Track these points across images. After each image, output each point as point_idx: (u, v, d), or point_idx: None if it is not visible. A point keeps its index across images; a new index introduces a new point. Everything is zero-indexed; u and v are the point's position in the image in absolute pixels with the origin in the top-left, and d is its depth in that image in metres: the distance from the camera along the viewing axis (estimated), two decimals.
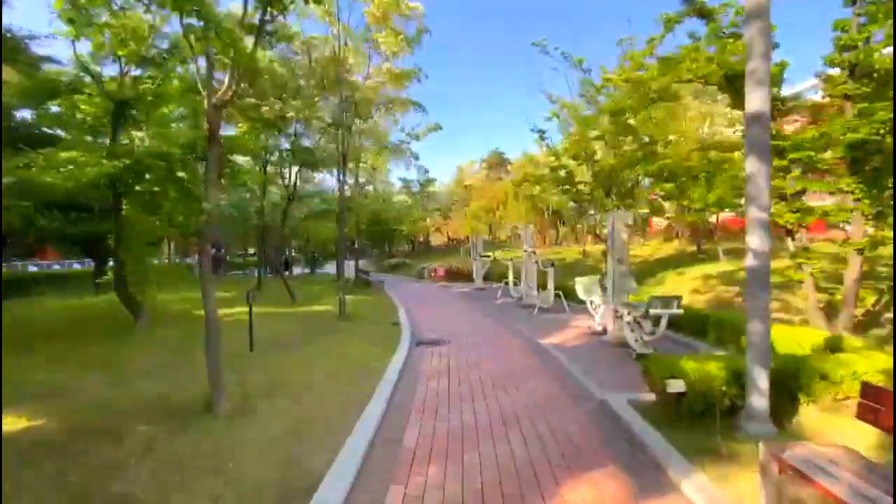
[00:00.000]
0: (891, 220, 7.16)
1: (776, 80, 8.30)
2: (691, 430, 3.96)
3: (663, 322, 6.49)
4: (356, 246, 17.61)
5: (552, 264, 11.37)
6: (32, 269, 23.10)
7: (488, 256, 19.16)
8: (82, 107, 8.01)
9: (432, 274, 22.28)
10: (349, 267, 26.36)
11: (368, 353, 7.01)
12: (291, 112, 9.96)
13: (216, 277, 23.38)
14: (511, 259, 14.85)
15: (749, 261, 3.95)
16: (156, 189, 7.07)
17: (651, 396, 4.72)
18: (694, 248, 22.03)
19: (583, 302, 11.98)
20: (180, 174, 7.02)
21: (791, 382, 4.49)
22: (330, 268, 32.14)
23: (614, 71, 11.33)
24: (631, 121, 13.00)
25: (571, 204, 43.77)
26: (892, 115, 6.35)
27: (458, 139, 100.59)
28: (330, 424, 4.13)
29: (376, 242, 42.92)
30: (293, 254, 34.52)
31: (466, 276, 21.36)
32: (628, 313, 7.22)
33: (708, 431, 3.84)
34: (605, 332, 8.36)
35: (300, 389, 5.15)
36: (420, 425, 4.28)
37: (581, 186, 15.33)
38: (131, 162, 6.84)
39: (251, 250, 32.47)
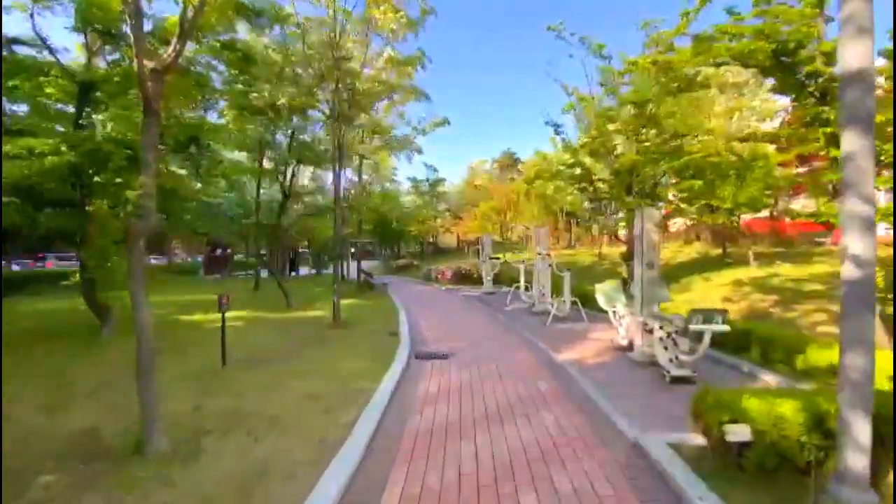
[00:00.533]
0: None
1: (830, 58, 7.23)
2: (758, 489, 3.01)
3: (706, 340, 5.48)
4: (357, 246, 16.72)
5: (568, 269, 10.37)
6: (15, 268, 22.59)
7: (498, 258, 18.18)
8: (46, 90, 7.26)
9: (439, 276, 21.36)
10: (353, 268, 25.61)
11: (358, 370, 6.11)
12: (283, 99, 9.14)
13: (220, 278, 22.59)
14: (523, 261, 13.86)
15: (847, 270, 2.94)
16: (119, 181, 6.24)
17: (698, 438, 3.75)
18: (718, 251, 20.83)
19: (602, 311, 10.97)
20: None
21: (885, 429, 3.47)
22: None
23: (640, 55, 10.31)
24: (655, 112, 11.94)
25: (586, 204, 42.53)
26: None
27: (469, 141, 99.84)
28: (290, 477, 3.22)
29: (385, 243, 42.12)
30: (299, 254, 33.90)
31: (475, 279, 20.39)
32: (660, 327, 6.22)
33: (782, 496, 2.88)
34: (630, 347, 7.35)
35: (266, 421, 4.26)
36: (405, 478, 3.36)
37: (599, 184, 14.28)
38: (91, 149, 6.04)
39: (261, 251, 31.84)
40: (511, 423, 4.46)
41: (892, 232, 7.19)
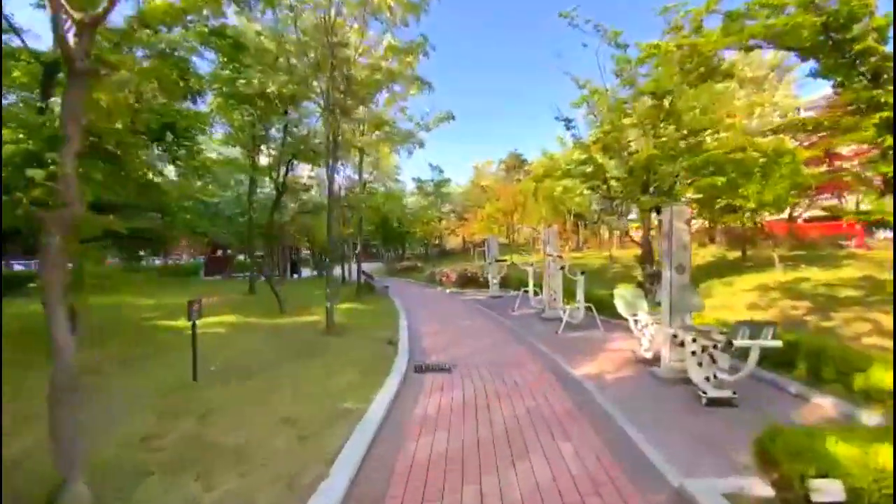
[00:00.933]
0: None
1: (882, 34, 6.42)
2: None
3: (753, 358, 4.69)
4: (358, 247, 16.03)
5: (582, 272, 9.58)
6: (17, 267, 22.15)
7: (504, 261, 17.41)
8: (14, 73, 6.62)
9: (443, 279, 20.61)
10: (353, 270, 24.91)
11: (348, 385, 5.38)
12: (273, 87, 8.46)
13: (220, 280, 21.92)
14: (532, 264, 13.08)
15: None
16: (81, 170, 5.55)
17: (760, 485, 2.98)
18: (736, 254, 19.92)
19: (620, 317, 10.16)
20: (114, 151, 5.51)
21: None
22: (337, 270, 30.77)
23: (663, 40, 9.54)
24: (675, 104, 11.13)
25: (595, 206, 41.63)
26: None
27: (474, 143, 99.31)
28: None
29: (389, 245, 41.47)
30: (302, 255, 33.31)
31: (480, 283, 19.62)
32: (694, 340, 5.43)
33: None
34: (656, 360, 6.56)
35: (228, 455, 3.53)
36: None
37: (612, 182, 13.48)
38: (50, 136, 5.37)
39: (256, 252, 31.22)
40: (522, 458, 3.70)
41: None
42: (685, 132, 11.79)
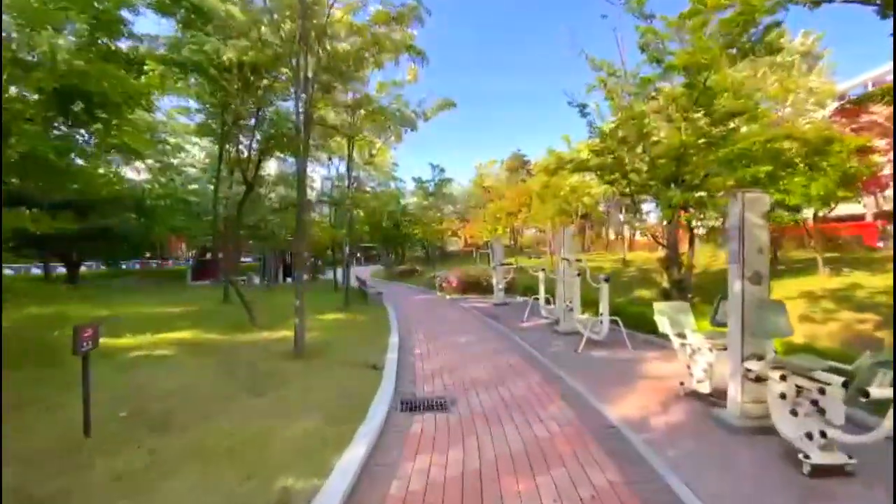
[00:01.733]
0: None
1: None
2: None
3: (890, 416, 3.14)
4: (347, 249, 14.53)
5: (605, 278, 8.05)
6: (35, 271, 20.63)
7: (510, 265, 15.91)
8: None
9: (444, 284, 19.11)
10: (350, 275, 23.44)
11: (303, 440, 3.90)
12: (231, 54, 7.02)
13: (208, 285, 20.44)
14: (543, 269, 11.57)
15: None
16: None
17: None
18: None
19: (646, 329, 8.65)
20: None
21: None
22: (332, 274, 29.28)
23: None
24: (712, 82, 9.61)
25: (601, 207, 39.96)
26: None
27: (475, 145, 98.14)
28: None
29: (389, 247, 39.97)
30: (295, 258, 31.82)
31: (484, 288, 18.12)
32: (782, 377, 3.91)
33: None
34: (714, 396, 5.05)
35: None
36: None
37: (633, 175, 11.96)
38: None
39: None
40: None
41: None
42: (720, 116, 10.27)
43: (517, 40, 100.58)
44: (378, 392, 5.47)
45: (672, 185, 11.40)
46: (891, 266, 13.22)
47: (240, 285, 9.45)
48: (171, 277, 30.53)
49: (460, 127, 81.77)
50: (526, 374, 6.53)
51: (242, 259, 36.81)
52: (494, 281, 15.66)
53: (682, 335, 5.69)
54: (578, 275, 9.03)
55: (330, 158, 13.80)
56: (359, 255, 65.19)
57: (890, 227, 18.95)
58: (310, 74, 6.89)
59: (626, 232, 33.28)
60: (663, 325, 5.87)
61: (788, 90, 15.21)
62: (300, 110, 7.01)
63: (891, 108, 10.87)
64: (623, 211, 36.38)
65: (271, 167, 18.48)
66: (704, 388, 5.26)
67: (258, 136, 9.23)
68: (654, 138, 12.24)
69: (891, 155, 13.25)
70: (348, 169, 12.88)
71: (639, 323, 9.08)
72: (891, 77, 17.40)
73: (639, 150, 12.32)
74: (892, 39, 5.35)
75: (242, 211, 9.73)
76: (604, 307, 8.08)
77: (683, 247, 12.77)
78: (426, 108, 13.25)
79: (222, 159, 9.25)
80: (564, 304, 9.55)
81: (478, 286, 18.47)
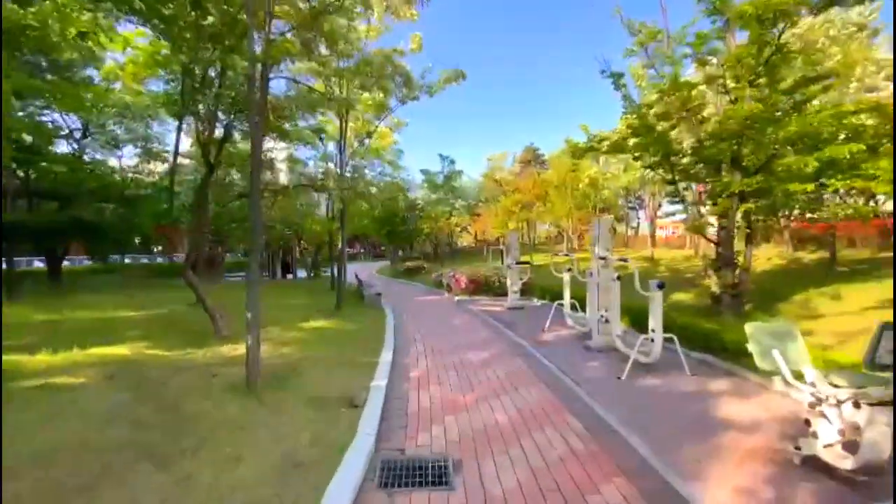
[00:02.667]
0: None
1: None
2: None
3: None
4: (341, 244, 12.86)
5: (660, 285, 6.22)
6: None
7: (527, 263, 14.10)
8: None
9: (452, 284, 17.36)
10: (349, 273, 21.80)
11: None
12: None
13: (205, 280, 19.04)
14: (569, 268, 9.74)
15: None
16: None
17: None
18: (810, 256, 16.34)
19: (703, 347, 6.83)
20: None
21: None
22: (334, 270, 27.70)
23: None
24: (784, 41, 7.72)
25: (621, 201, 37.85)
26: None
27: (486, 142, 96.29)
28: None
29: (395, 243, 38.26)
30: (293, 254, 30.29)
31: (496, 289, 16.35)
32: None
33: None
34: (867, 474, 3.25)
35: None
36: None
37: (680, 159, 10.08)
38: None
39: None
40: None
41: None
42: (793, 83, 8.37)
43: (525, 34, 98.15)
44: (348, 452, 3.77)
45: (723, 169, 9.51)
46: None
47: (199, 287, 7.75)
48: (168, 274, 29.17)
49: (469, 117, 79.91)
50: (559, 417, 4.76)
51: (240, 255, 35.48)
52: (508, 282, 13.88)
53: (800, 375, 3.87)
54: (618, 277, 7.20)
55: (321, 138, 12.08)
56: (363, 250, 63.78)
57: None
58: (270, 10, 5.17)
59: (640, 227, 31.19)
60: (767, 358, 4.05)
61: (854, 62, 13.11)
62: (251, 48, 5.27)
63: None
64: (646, 204, 34.25)
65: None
66: (841, 461, 3.45)
67: (221, 109, 7.53)
68: (704, 113, 10.36)
69: None
70: (341, 150, 11.22)
71: (688, 337, 7.26)
72: None
73: (683, 127, 10.45)
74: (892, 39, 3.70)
75: (205, 198, 8.07)
76: (656, 321, 6.25)
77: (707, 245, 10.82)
78: (431, 82, 11.47)
79: (180, 137, 7.60)
80: (599, 314, 7.74)
81: (489, 287, 16.70)
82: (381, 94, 10.05)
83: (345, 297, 13.40)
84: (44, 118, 17.36)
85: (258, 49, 5.57)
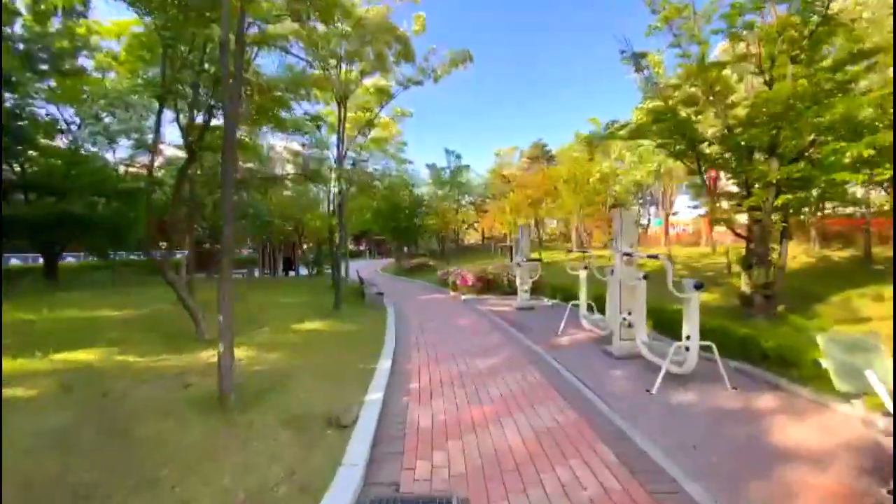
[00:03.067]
0: None
1: None
2: None
3: None
4: (339, 239, 12.15)
5: (696, 285, 5.42)
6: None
7: (538, 260, 13.32)
8: None
9: (458, 282, 16.61)
10: (349, 271, 21.15)
11: None
12: None
13: (204, 278, 18.38)
14: (586, 266, 8.95)
15: None
16: None
17: None
18: (840, 253, 15.40)
19: (740, 356, 6.01)
20: None
21: None
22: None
23: None
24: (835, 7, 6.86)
25: (632, 197, 36.89)
26: None
27: (494, 139, 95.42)
28: None
29: (400, 240, 37.54)
30: (297, 251, 29.67)
31: (504, 287, 15.58)
32: None
33: None
34: None
35: None
36: None
37: (706, 148, 9.25)
38: None
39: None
40: None
41: None
42: (839, 60, 7.51)
43: (530, 29, 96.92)
44: (329, 491, 3.05)
45: (756, 157, 8.66)
46: None
47: (181, 287, 7.08)
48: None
49: (475, 114, 79.03)
50: (586, 444, 4.00)
51: (244, 251, 34.97)
52: (517, 280, 13.10)
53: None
54: (645, 277, 6.41)
55: (320, 127, 11.35)
56: (368, 247, 63.09)
57: None
58: None
59: (650, 224, 30.26)
60: (850, 379, 3.26)
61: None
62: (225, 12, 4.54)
63: None
64: (658, 200, 33.17)
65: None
66: None
67: (204, 90, 6.81)
68: (731, 98, 9.51)
69: None
70: (338, 139, 10.49)
71: (721, 343, 6.43)
72: None
73: (710, 112, 9.61)
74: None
75: (182, 188, 7.37)
76: (692, 327, 5.47)
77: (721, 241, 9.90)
78: (436, 66, 10.69)
79: (161, 120, 6.88)
80: (621, 318, 6.96)
81: (497, 285, 15.93)
82: (378, 69, 9.19)
83: (345, 295, 12.72)
84: (38, 110, 16.88)
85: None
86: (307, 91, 8.58)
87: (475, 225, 49.61)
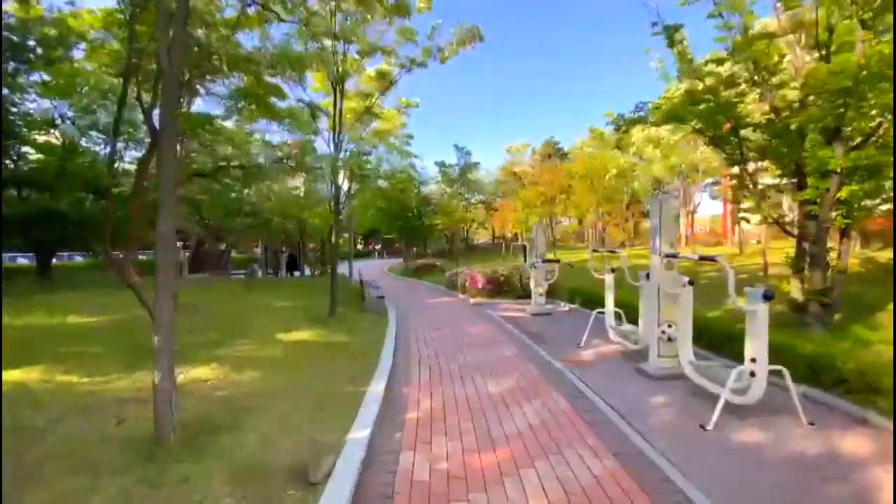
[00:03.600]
0: None
1: None
2: None
3: None
4: (334, 238, 11.20)
5: (766, 294, 4.33)
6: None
7: (555, 261, 12.23)
8: None
9: (467, 283, 15.59)
10: (353, 272, 20.27)
11: None
12: None
13: (207, 278, 17.53)
14: (612, 268, 7.86)
15: None
16: None
17: None
18: (885, 254, 14.06)
19: (810, 379, 4.89)
20: None
21: None
22: (343, 267, 26.18)
23: None
24: None
25: (658, 192, 35.68)
26: None
27: (501, 132, 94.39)
28: None
29: (408, 239, 36.61)
30: (302, 251, 28.85)
31: (517, 290, 14.54)
32: None
33: None
34: None
35: None
36: None
37: (755, 132, 8.12)
38: None
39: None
40: None
41: None
42: None
43: (546, 24, 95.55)
44: None
45: (809, 143, 7.50)
46: None
47: (142, 293, 6.14)
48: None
49: (485, 110, 77.91)
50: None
51: (242, 251, 34.28)
52: (532, 282, 12.02)
53: None
54: (690, 283, 5.33)
55: (314, 115, 10.41)
56: (373, 246, 62.26)
57: None
58: None
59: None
60: None
61: None
62: None
63: None
64: (679, 196, 31.76)
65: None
66: None
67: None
68: (775, 79, 8.38)
69: None
70: (334, 127, 9.54)
71: (783, 362, 5.30)
72: None
73: (753, 94, 8.50)
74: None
75: (145, 177, 6.46)
76: (759, 347, 4.39)
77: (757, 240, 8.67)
78: (442, 45, 9.67)
79: (125, 101, 5.99)
80: (659, 331, 5.89)
81: (509, 287, 14.88)
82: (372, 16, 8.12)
83: (344, 299, 11.77)
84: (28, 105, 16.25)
85: None
86: (298, 71, 7.64)
87: (485, 224, 48.60)
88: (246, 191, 17.89)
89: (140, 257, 31.41)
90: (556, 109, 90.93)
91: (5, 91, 14.54)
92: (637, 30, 54.88)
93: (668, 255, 5.71)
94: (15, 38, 14.58)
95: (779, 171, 8.86)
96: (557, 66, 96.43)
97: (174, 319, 3.63)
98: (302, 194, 19.04)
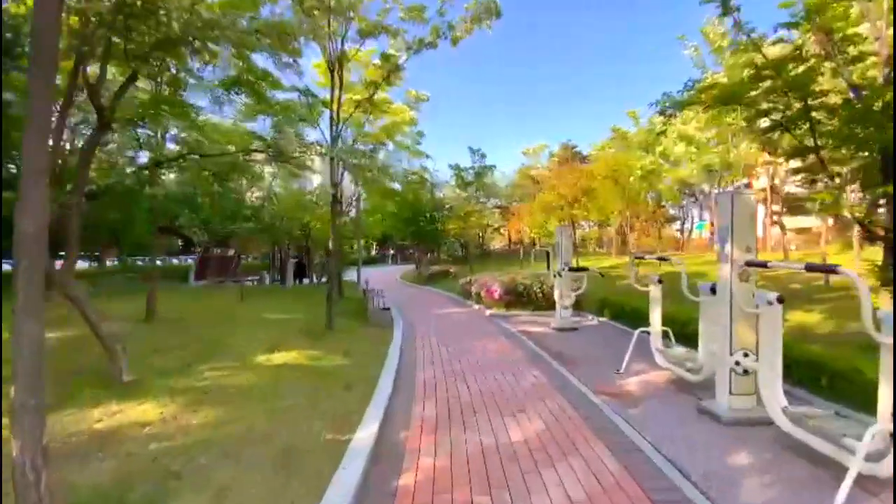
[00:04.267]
0: None
1: None
2: None
3: None
4: (331, 242, 10.17)
5: None
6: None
7: (584, 270, 10.92)
8: None
9: (483, 293, 14.35)
10: (359, 280, 19.23)
11: None
12: None
13: (212, 285, 16.60)
14: (660, 279, 6.55)
15: None
16: None
17: None
18: None
19: None
20: None
21: None
22: (351, 274, 25.17)
23: None
24: None
25: (684, 198, 33.82)
26: None
27: (515, 135, 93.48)
28: None
29: (421, 245, 35.48)
30: (312, 258, 27.94)
31: (538, 301, 13.22)
32: None
33: None
34: None
35: None
36: None
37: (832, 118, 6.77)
38: None
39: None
40: None
41: None
42: None
43: (563, 28, 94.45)
44: None
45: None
46: None
47: (84, 304, 5.11)
48: (174, 276, 27.33)
49: (499, 113, 76.84)
50: None
51: (254, 257, 33.56)
52: (556, 293, 10.71)
53: None
54: (780, 300, 4.04)
55: (309, 102, 9.37)
56: (384, 252, 61.22)
57: None
58: None
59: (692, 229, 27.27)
60: None
61: None
62: None
63: None
64: (703, 203, 29.98)
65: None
66: None
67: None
68: (861, 47, 7.06)
69: None
70: (331, 113, 8.47)
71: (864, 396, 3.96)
72: None
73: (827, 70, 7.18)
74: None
75: (88, 166, 5.46)
76: (889, 398, 3.08)
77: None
78: (453, 22, 8.55)
79: (78, 75, 4.98)
80: (732, 360, 4.59)
81: (529, 298, 13.57)
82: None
83: (348, 309, 10.66)
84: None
85: None
86: (285, 44, 6.59)
87: (501, 229, 47.32)
88: (248, 194, 17.04)
89: (139, 262, 30.97)
90: (570, 114, 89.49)
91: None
92: (657, 29, 53.22)
93: (748, 264, 4.41)
94: None
95: (836, 169, 7.45)
96: (573, 69, 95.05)
97: (41, 358, 2.51)
98: (315, 198, 18.09)
